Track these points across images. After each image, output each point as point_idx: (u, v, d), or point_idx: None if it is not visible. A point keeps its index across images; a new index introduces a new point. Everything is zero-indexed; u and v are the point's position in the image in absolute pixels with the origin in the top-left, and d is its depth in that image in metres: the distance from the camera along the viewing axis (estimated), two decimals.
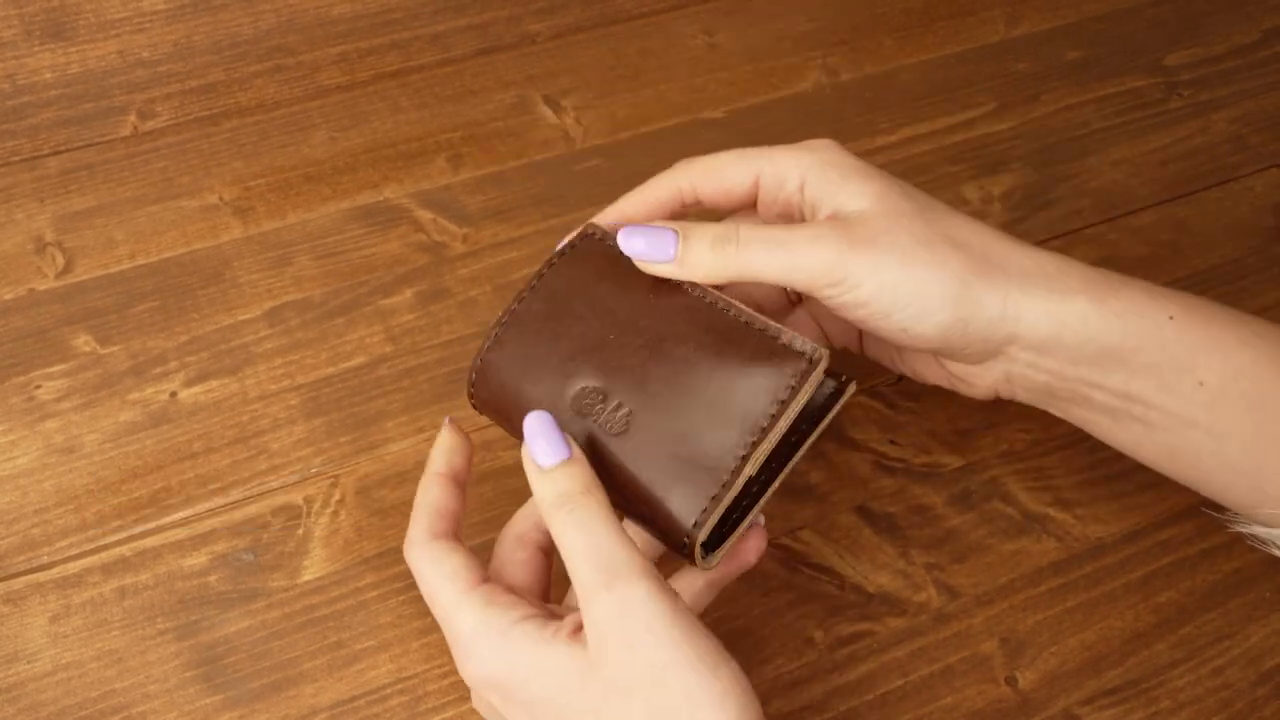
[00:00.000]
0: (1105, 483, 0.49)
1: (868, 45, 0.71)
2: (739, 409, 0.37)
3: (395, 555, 0.46)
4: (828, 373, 0.38)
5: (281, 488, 0.48)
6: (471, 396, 0.42)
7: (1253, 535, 0.40)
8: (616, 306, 0.40)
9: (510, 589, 0.38)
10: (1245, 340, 0.38)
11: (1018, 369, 0.41)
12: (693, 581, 0.40)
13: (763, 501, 0.39)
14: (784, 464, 0.39)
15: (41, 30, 0.60)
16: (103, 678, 0.43)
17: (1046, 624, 0.45)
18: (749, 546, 0.40)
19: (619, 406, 0.38)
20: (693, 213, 0.44)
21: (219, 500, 0.48)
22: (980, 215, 0.60)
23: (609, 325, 0.40)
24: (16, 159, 0.61)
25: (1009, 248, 0.40)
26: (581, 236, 0.42)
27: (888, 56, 0.70)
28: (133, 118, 0.63)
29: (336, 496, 0.48)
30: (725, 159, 0.42)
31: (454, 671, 0.43)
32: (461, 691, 0.43)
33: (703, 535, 0.37)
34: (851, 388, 0.40)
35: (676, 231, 0.39)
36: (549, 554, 0.41)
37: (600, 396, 0.39)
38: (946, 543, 0.47)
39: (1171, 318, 0.38)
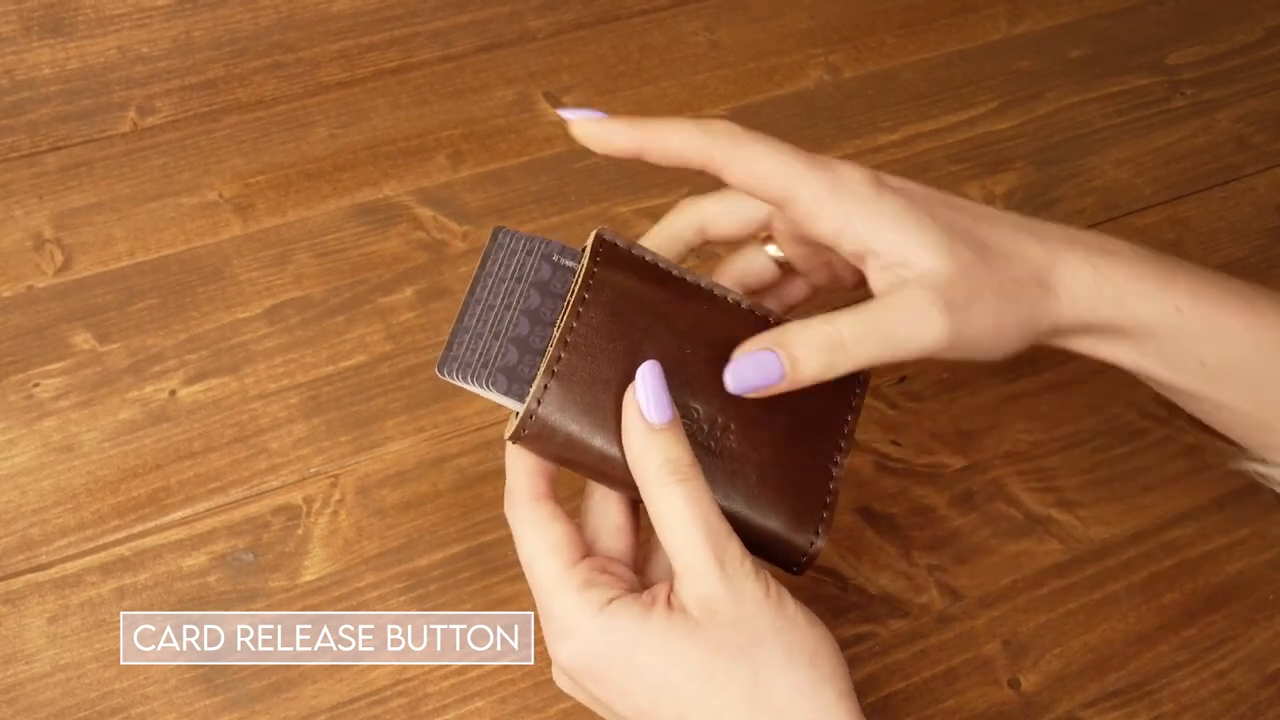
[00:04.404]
0: (1108, 484, 0.49)
1: (870, 43, 0.70)
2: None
3: (395, 555, 0.46)
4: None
5: (281, 487, 0.48)
6: (524, 426, 0.37)
7: (1255, 472, 0.43)
8: (676, 318, 0.39)
9: (606, 561, 0.38)
10: (1249, 324, 0.40)
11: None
12: None
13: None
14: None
15: (40, 26, 0.60)
16: (102, 678, 0.42)
17: (1049, 626, 0.45)
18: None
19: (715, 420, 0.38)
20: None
21: (218, 500, 0.47)
22: None
23: (680, 340, 0.39)
24: (15, 155, 0.60)
25: (1051, 260, 0.39)
26: (600, 242, 0.40)
27: (890, 54, 0.70)
28: (132, 114, 0.62)
29: (336, 496, 0.48)
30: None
31: (454, 673, 0.43)
32: (462, 693, 0.42)
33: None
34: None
35: (778, 353, 0.37)
36: (636, 512, 0.40)
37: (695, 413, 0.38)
38: (949, 544, 0.47)
39: (1179, 309, 0.40)
